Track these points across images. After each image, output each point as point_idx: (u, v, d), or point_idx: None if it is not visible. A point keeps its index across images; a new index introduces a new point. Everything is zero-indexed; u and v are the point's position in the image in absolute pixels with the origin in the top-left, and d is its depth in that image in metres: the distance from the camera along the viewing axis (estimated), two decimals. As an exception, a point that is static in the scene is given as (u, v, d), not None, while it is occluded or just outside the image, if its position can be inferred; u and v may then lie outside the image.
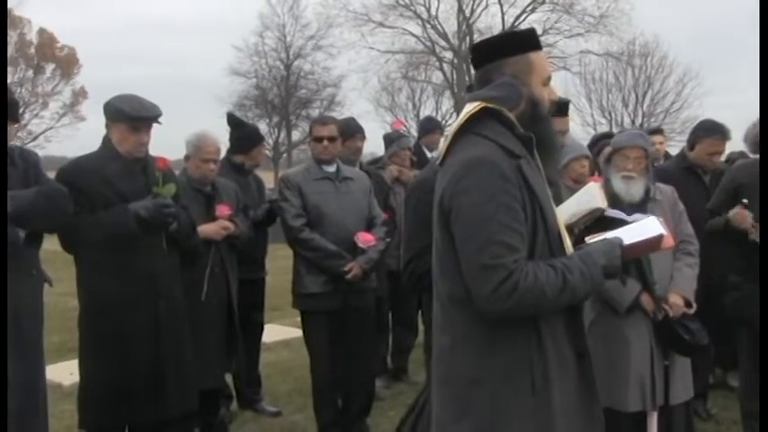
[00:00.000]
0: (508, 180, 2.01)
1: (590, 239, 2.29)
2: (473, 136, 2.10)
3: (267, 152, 36.49)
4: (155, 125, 3.64)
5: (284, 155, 38.50)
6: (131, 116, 3.51)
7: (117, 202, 3.50)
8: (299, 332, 7.61)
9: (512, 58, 2.16)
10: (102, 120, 3.64)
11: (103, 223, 3.44)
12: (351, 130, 5.37)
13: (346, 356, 4.51)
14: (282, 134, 38.36)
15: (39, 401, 3.12)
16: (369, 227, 4.59)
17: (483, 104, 2.10)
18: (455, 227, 2.04)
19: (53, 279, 3.73)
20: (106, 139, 3.61)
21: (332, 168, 4.59)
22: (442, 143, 2.19)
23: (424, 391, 3.25)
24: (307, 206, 4.46)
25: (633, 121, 35.02)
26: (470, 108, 2.12)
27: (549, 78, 2.22)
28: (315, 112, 37.99)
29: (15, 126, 3.12)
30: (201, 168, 4.39)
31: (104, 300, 3.50)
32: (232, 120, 5.34)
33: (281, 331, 7.54)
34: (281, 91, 37.67)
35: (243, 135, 5.17)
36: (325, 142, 4.54)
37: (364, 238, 4.43)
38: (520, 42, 2.20)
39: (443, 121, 32.05)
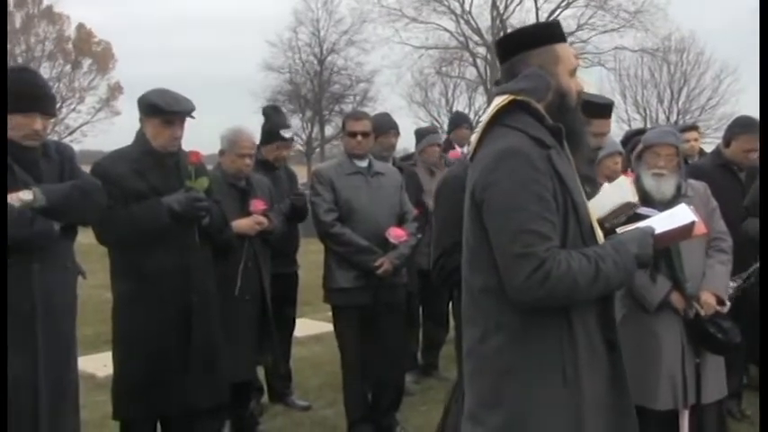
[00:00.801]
0: (538, 170, 2.01)
1: (621, 231, 2.28)
2: (503, 128, 2.11)
3: (300, 147, 36.73)
4: (188, 119, 3.67)
5: (317, 150, 38.66)
6: (165, 110, 3.55)
7: (150, 196, 3.54)
8: (330, 327, 7.63)
9: (538, 49, 2.17)
10: (137, 114, 3.69)
11: (137, 217, 3.49)
12: (384, 126, 5.37)
13: (377, 351, 4.52)
14: (315, 129, 38.52)
15: (70, 393, 3.15)
16: (400, 222, 4.60)
17: (511, 97, 2.11)
18: (487, 217, 2.05)
19: (87, 272, 3.79)
20: (140, 134, 3.65)
21: (364, 163, 4.61)
22: (473, 137, 2.19)
23: (456, 389, 3.25)
24: (338, 201, 4.47)
25: (668, 118, 34.56)
26: (499, 101, 2.12)
27: (575, 69, 2.22)
28: (348, 108, 38.03)
29: (52, 120, 3.17)
30: (237, 163, 4.42)
31: (137, 292, 3.54)
32: (264, 111, 5.36)
33: (312, 326, 7.58)
34: (315, 86, 37.82)
35: (264, 128, 5.19)
36: (359, 137, 4.56)
37: (395, 234, 4.44)
38: (545, 34, 2.21)
39: (476, 117, 31.93)
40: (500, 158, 2.04)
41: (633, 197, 2.71)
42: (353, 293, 4.44)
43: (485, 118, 2.15)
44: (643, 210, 3.06)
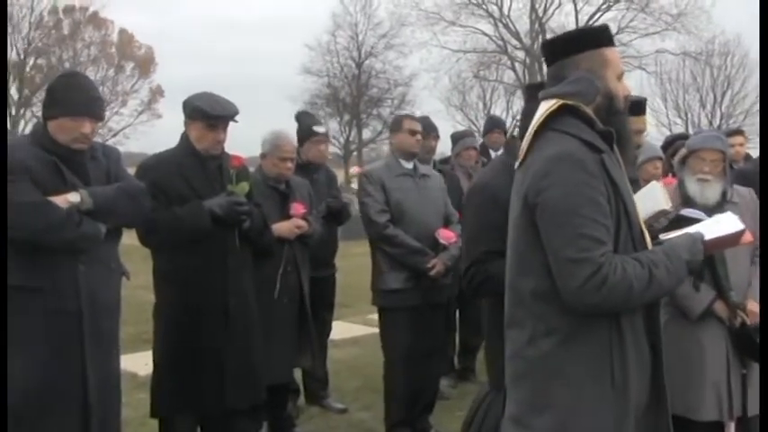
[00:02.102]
0: (592, 174, 2.01)
1: (665, 237, 2.27)
2: (553, 133, 2.10)
3: (337, 150, 36.89)
4: (231, 123, 3.72)
5: (354, 153, 38.78)
6: (209, 114, 3.60)
7: (192, 199, 3.59)
8: (367, 329, 7.71)
9: (586, 53, 2.16)
10: (177, 117, 3.74)
11: (179, 219, 3.54)
12: (425, 129, 5.36)
13: (422, 354, 4.53)
14: (353, 132, 38.65)
15: (113, 391, 3.21)
16: (445, 224, 4.62)
17: (561, 102, 2.10)
18: (541, 222, 2.04)
19: (130, 272, 3.85)
20: (184, 136, 3.72)
21: (410, 165, 4.63)
22: (525, 140, 2.18)
23: (485, 397, 3.22)
24: (389, 202, 4.48)
25: (711, 122, 33.98)
26: (548, 106, 2.12)
27: (622, 74, 2.21)
28: (386, 111, 38.11)
29: (98, 123, 3.24)
30: (279, 167, 4.45)
31: (178, 293, 3.60)
32: (296, 117, 5.40)
33: (349, 328, 7.60)
34: (353, 89, 37.95)
35: (298, 131, 5.21)
36: (418, 136, 4.63)
37: (445, 235, 4.46)
38: (594, 37, 2.20)
39: (513, 121, 31.74)
40: (553, 163, 2.03)
41: (666, 203, 2.69)
42: (404, 295, 4.44)
43: (534, 123, 2.14)
44: (687, 211, 3.02)
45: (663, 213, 2.70)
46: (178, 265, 3.60)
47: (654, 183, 2.98)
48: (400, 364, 4.51)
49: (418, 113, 5.62)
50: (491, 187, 2.99)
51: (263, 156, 4.55)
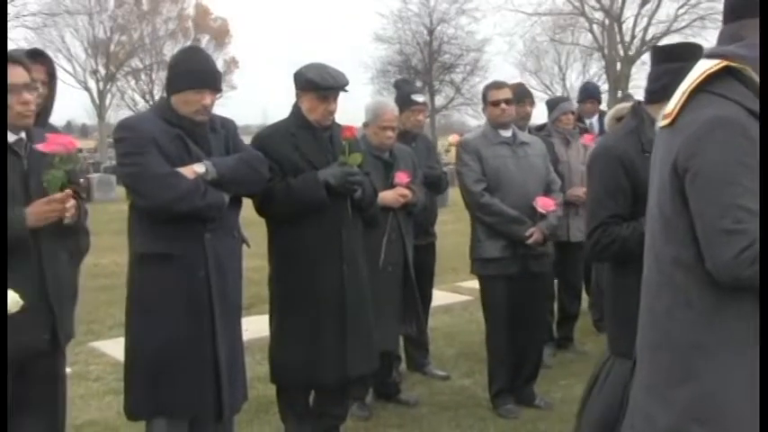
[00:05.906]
0: (753, 142, 1.88)
1: None
2: (710, 95, 1.96)
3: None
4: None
5: (427, 120, 38.65)
6: (321, 85, 3.63)
7: (306, 169, 3.63)
8: (456, 297, 7.74)
9: None
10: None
11: (295, 190, 3.58)
12: (519, 96, 5.30)
13: (522, 322, 4.53)
14: (426, 99, 38.53)
15: (240, 353, 3.35)
16: (546, 191, 4.57)
17: (725, 63, 1.96)
18: (692, 188, 1.93)
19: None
20: (296, 108, 3.76)
21: (508, 133, 4.60)
22: (674, 100, 2.04)
23: (606, 362, 3.20)
24: (486, 170, 4.47)
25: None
26: (709, 65, 1.98)
27: None
28: (458, 77, 37.84)
29: (217, 95, 3.33)
30: (380, 135, 4.46)
31: (295, 263, 3.66)
32: (395, 84, 5.40)
33: (440, 296, 7.58)
34: (425, 56, 37.78)
35: (396, 99, 5.19)
36: (503, 105, 4.55)
37: (544, 203, 4.40)
38: None
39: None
40: (711, 126, 1.91)
41: None
42: (502, 263, 4.44)
43: (688, 81, 2.01)
44: None
45: None
46: (294, 235, 3.64)
47: None
48: (502, 332, 4.52)
49: (491, 79, 5.50)
50: (616, 150, 2.94)
51: (365, 125, 4.57)
